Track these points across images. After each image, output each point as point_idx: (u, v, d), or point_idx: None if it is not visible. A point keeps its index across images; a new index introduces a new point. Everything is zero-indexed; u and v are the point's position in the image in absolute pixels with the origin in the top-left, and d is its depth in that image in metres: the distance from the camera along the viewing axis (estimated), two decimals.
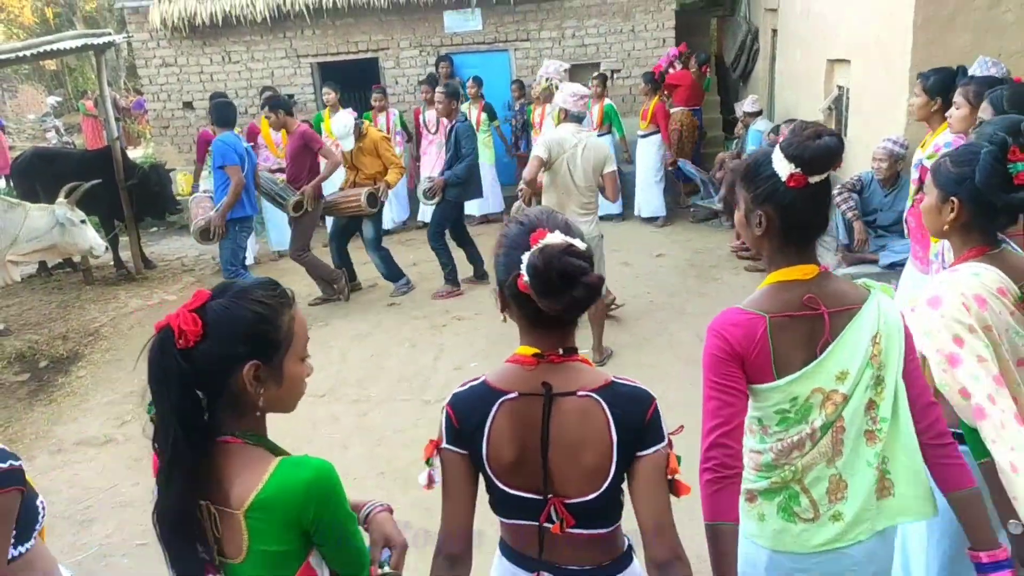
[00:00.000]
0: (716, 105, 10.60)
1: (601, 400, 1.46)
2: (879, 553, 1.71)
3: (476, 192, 6.98)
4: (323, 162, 6.52)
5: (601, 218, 5.22)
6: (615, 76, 9.82)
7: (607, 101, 8.45)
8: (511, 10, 9.51)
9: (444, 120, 7.00)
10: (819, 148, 1.55)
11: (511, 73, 9.78)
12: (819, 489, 1.66)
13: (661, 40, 9.67)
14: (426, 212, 7.92)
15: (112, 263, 7.92)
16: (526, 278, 1.37)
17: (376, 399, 4.83)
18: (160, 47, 9.77)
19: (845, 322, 1.63)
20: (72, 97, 20.78)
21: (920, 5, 4.97)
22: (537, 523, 1.51)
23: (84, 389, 5.30)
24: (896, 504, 1.67)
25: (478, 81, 8.58)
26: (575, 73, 9.84)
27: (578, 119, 4.90)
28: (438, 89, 6.80)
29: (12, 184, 8.76)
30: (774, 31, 9.05)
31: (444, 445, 1.54)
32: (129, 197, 7.58)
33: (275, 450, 1.44)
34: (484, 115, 8.57)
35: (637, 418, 1.46)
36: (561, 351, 1.52)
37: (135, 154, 13.47)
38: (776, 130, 7.10)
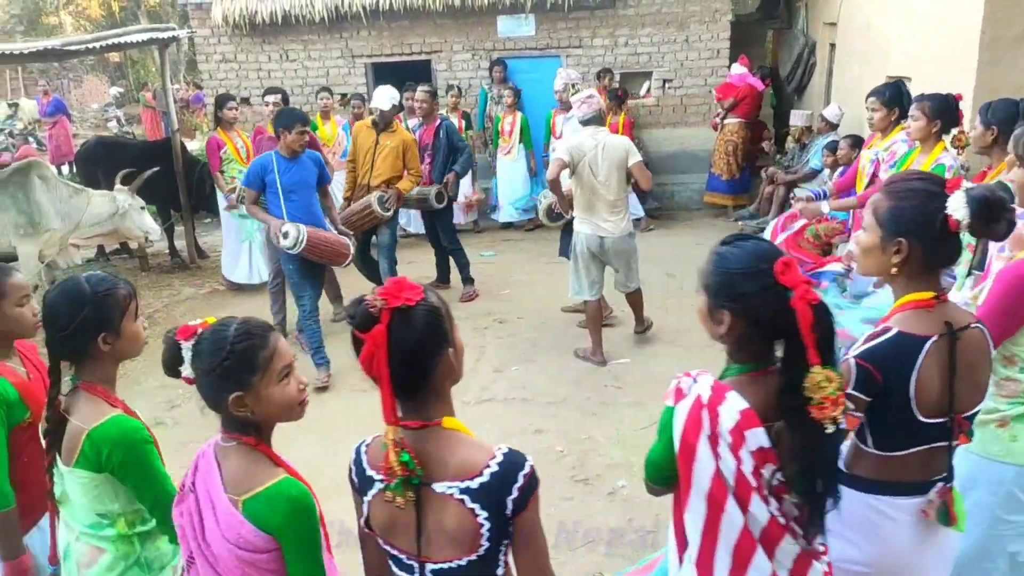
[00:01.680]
0: (769, 118, 10.48)
1: (984, 329, 1.82)
2: None
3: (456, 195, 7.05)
4: None
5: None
6: (667, 86, 9.78)
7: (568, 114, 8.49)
8: (564, 16, 9.53)
9: (424, 126, 6.74)
10: (999, 226, 1.71)
11: None
12: None
13: (715, 51, 9.60)
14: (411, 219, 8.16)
15: (167, 251, 8.15)
16: (959, 215, 1.65)
17: None
18: (221, 43, 10.02)
19: None
20: (133, 88, 21.44)
21: (987, 24, 4.86)
22: (947, 443, 1.80)
23: (136, 372, 5.47)
24: None
25: (460, 90, 8.95)
26: (626, 81, 9.85)
27: (591, 122, 4.95)
28: (422, 88, 6.65)
29: (75, 170, 9.08)
30: (832, 45, 8.91)
31: (861, 395, 1.73)
32: (188, 188, 7.81)
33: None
34: (463, 123, 8.60)
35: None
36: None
37: (191, 146, 13.84)
38: (833, 147, 6.96)
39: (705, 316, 1.66)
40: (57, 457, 1.92)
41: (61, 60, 10.66)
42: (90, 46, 7.32)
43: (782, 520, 1.56)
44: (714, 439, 1.53)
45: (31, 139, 15.45)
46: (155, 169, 6.68)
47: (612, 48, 9.67)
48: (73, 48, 7.20)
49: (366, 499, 1.52)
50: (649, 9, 9.50)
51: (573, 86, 5.77)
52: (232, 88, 10.08)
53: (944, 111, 3.86)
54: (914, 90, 6.24)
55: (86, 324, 1.89)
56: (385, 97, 6.04)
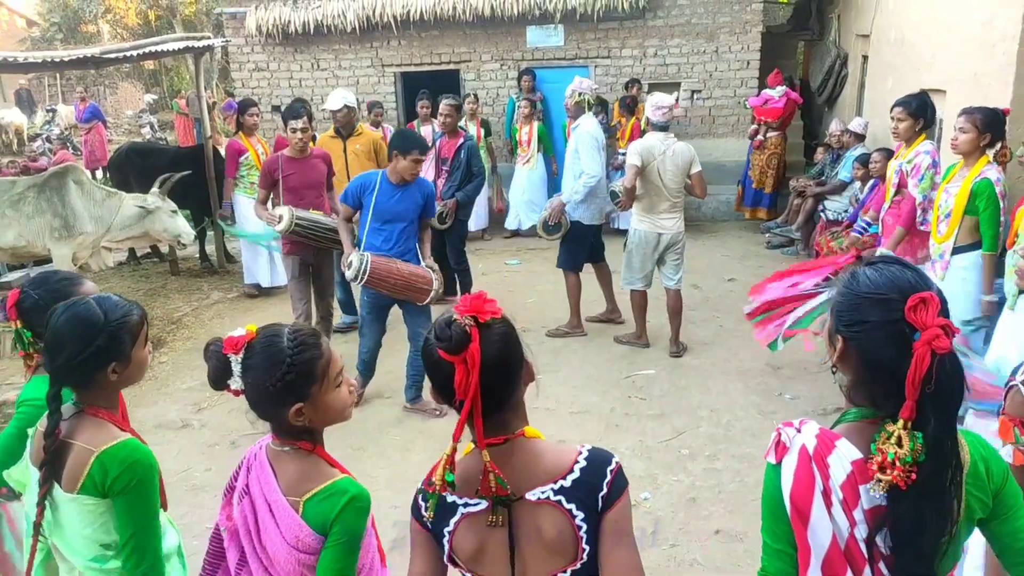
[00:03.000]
0: (798, 130, 10.39)
1: None
2: None
3: (470, 211, 6.86)
4: None
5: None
6: (695, 97, 9.74)
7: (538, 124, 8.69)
8: (594, 27, 9.55)
9: (444, 138, 6.50)
10: None
11: None
12: None
13: (745, 62, 9.55)
14: None
15: (197, 256, 8.27)
16: None
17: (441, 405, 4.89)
18: (254, 52, 10.19)
19: None
20: (167, 96, 21.82)
21: None
22: None
23: (165, 375, 5.54)
24: None
25: (476, 98, 8.90)
26: (655, 92, 9.81)
27: (663, 128, 5.22)
28: (447, 101, 6.34)
29: (108, 175, 9.25)
30: (864, 57, 8.82)
31: None
32: (219, 194, 7.91)
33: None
34: (482, 131, 8.62)
35: None
36: None
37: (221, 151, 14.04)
38: (864, 160, 6.89)
39: (826, 338, 1.45)
40: (54, 486, 1.81)
41: (99, 68, 10.87)
42: (128, 54, 7.46)
43: None
44: (827, 495, 1.32)
45: (68, 144, 15.79)
46: (187, 172, 6.79)
47: (641, 59, 9.66)
48: (111, 56, 7.34)
49: (446, 530, 1.45)
50: (679, 20, 9.48)
51: (580, 94, 5.70)
52: (264, 96, 10.23)
53: (994, 124, 3.89)
54: (949, 105, 6.17)
55: (98, 354, 1.79)
56: (337, 98, 5.96)
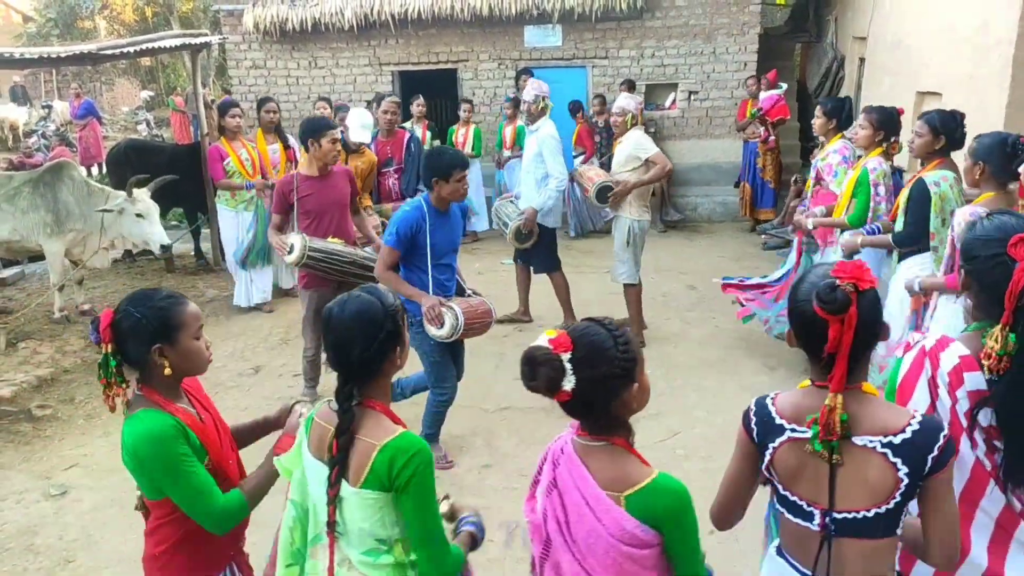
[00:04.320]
0: (795, 132, 10.41)
1: None
2: None
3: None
4: None
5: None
6: (692, 98, 9.75)
7: (519, 123, 8.42)
8: (591, 27, 9.55)
9: (382, 137, 6.29)
10: None
11: (588, 89, 9.82)
12: None
13: (743, 64, 9.57)
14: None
15: (193, 254, 8.25)
16: None
17: None
18: (251, 50, 10.17)
19: None
20: (163, 93, 21.76)
21: (1021, 41, 4.79)
22: None
23: None
24: None
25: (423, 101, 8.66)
26: (652, 93, 9.83)
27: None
28: (390, 99, 6.27)
29: (105, 172, 9.23)
30: (861, 60, 8.84)
31: None
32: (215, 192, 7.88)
33: None
34: (428, 134, 8.52)
35: None
36: None
37: None
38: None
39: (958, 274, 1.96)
40: (343, 480, 1.77)
41: (96, 64, 10.85)
42: (125, 50, 7.44)
43: (988, 465, 1.73)
44: (933, 382, 1.77)
45: (65, 141, 15.74)
46: (170, 177, 6.16)
47: (638, 59, 9.67)
48: (108, 52, 7.32)
49: (771, 446, 1.68)
50: (676, 21, 9.50)
51: (544, 99, 5.68)
52: (261, 94, 10.21)
53: (887, 122, 4.50)
54: (944, 107, 6.21)
55: (386, 342, 1.79)
56: (359, 127, 5.72)
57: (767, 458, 1.69)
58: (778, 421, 1.68)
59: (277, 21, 9.67)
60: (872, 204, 4.43)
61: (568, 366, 1.59)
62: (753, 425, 1.72)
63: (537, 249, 5.79)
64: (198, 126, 8.30)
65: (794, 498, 1.68)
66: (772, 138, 8.44)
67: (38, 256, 6.65)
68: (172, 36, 7.93)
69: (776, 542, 1.82)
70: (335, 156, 4.45)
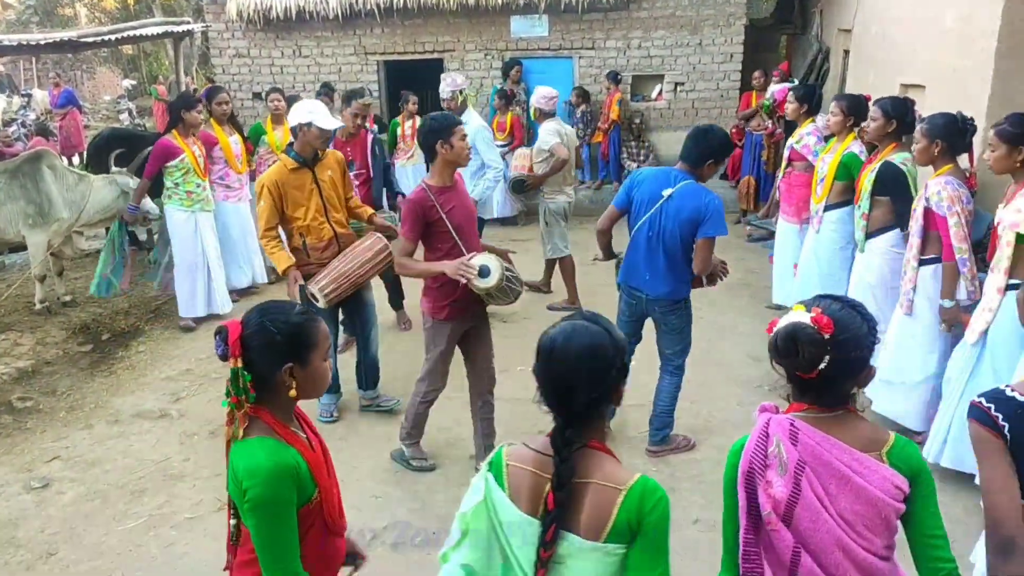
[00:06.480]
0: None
1: None
2: None
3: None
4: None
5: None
6: (679, 89, 9.76)
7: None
8: (578, 18, 9.53)
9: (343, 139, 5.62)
10: None
11: (574, 80, 9.80)
12: None
13: (729, 55, 9.58)
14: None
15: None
16: None
17: None
18: (235, 38, 10.06)
19: None
20: (145, 81, 21.51)
21: (1004, 33, 4.82)
22: None
23: (143, 364, 5.48)
24: None
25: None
26: (638, 84, 9.83)
27: (552, 115, 5.99)
28: (361, 101, 5.55)
29: (87, 161, 9.11)
30: (846, 52, 8.87)
31: None
32: None
33: None
34: (375, 126, 8.23)
35: None
36: None
37: None
38: None
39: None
40: (571, 536, 1.54)
41: (76, 52, 10.74)
42: (106, 38, 7.37)
43: None
44: None
45: (45, 131, 15.52)
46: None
47: (625, 50, 9.66)
48: (89, 40, 7.24)
49: None
50: (663, 12, 9.49)
51: (461, 92, 5.65)
52: (244, 83, 10.12)
53: (856, 108, 4.79)
54: (928, 100, 6.26)
55: (617, 379, 1.63)
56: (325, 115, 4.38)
57: None
58: None
59: (261, 9, 9.57)
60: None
61: (828, 347, 1.62)
62: (1002, 422, 1.67)
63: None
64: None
65: None
66: (780, 131, 8.43)
67: (19, 247, 6.56)
68: (154, 24, 7.85)
69: None
70: (468, 155, 3.77)
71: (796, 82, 8.83)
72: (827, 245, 4.94)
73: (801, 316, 1.66)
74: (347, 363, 4.79)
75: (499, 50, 9.76)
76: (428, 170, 3.73)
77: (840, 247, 4.91)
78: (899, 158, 4.22)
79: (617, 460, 1.63)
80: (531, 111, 6.18)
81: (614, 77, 9.30)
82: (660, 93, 9.88)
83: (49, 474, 4.08)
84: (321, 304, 4.12)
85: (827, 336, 1.62)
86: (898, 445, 1.67)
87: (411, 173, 7.95)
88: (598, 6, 9.33)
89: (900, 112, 4.28)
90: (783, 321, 1.69)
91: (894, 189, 4.18)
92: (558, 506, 1.53)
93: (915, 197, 4.01)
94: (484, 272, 3.47)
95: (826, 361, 1.62)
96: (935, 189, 3.67)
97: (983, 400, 1.71)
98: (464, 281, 3.46)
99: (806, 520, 1.65)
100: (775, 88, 8.30)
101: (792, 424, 1.70)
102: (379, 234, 4.38)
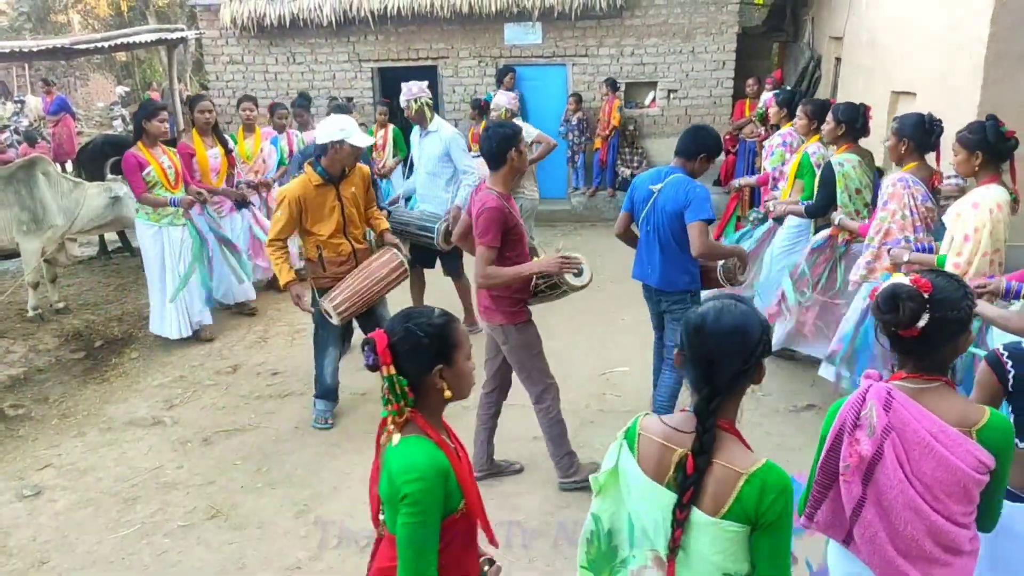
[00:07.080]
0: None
1: None
2: None
3: None
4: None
5: None
6: (671, 96, 9.80)
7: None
8: (571, 25, 9.57)
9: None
10: None
11: (567, 87, 9.84)
12: None
13: (721, 63, 9.64)
14: None
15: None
16: None
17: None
18: (228, 45, 10.07)
19: None
20: (139, 88, 21.47)
21: (993, 42, 4.87)
22: None
23: (136, 371, 5.47)
24: None
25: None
26: (631, 91, 9.88)
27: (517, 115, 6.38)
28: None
29: (80, 169, 9.10)
30: (837, 59, 8.93)
31: None
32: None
33: None
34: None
35: None
36: None
37: None
38: None
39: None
40: (694, 509, 1.64)
41: (70, 59, 10.73)
42: (99, 45, 7.36)
43: None
44: None
45: (36, 138, 15.49)
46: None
47: (618, 58, 9.71)
48: (82, 47, 7.23)
49: None
50: (656, 20, 9.54)
51: (417, 101, 5.46)
52: (238, 90, 10.11)
53: (819, 112, 5.05)
54: (918, 107, 6.30)
55: (761, 355, 1.70)
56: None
57: None
58: None
59: (255, 16, 9.58)
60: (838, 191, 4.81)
61: (927, 304, 1.78)
62: (1010, 368, 2.01)
63: (453, 251, 5.48)
64: (174, 122, 8.21)
65: None
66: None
67: (13, 253, 6.54)
68: (148, 31, 7.85)
69: None
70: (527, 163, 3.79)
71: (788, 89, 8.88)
72: (787, 234, 5.33)
73: (902, 279, 1.85)
74: (345, 369, 4.79)
75: (493, 57, 9.80)
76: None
77: (794, 233, 5.29)
78: (840, 159, 4.59)
79: (745, 443, 1.69)
80: (502, 113, 6.23)
81: (612, 84, 9.34)
82: (653, 100, 9.93)
83: (41, 482, 4.06)
84: (335, 322, 4.17)
85: (926, 295, 1.78)
86: (990, 425, 1.80)
87: (383, 184, 7.76)
88: (591, 14, 9.38)
89: (849, 116, 4.64)
90: (884, 284, 1.87)
91: (821, 184, 4.64)
92: (697, 471, 1.62)
93: (842, 194, 4.51)
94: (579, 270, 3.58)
95: (925, 319, 1.77)
96: (888, 182, 4.01)
97: (1002, 349, 1.99)
98: (561, 277, 3.52)
99: (883, 479, 1.81)
100: (768, 96, 8.35)
101: (889, 392, 1.84)
102: (395, 249, 4.39)
